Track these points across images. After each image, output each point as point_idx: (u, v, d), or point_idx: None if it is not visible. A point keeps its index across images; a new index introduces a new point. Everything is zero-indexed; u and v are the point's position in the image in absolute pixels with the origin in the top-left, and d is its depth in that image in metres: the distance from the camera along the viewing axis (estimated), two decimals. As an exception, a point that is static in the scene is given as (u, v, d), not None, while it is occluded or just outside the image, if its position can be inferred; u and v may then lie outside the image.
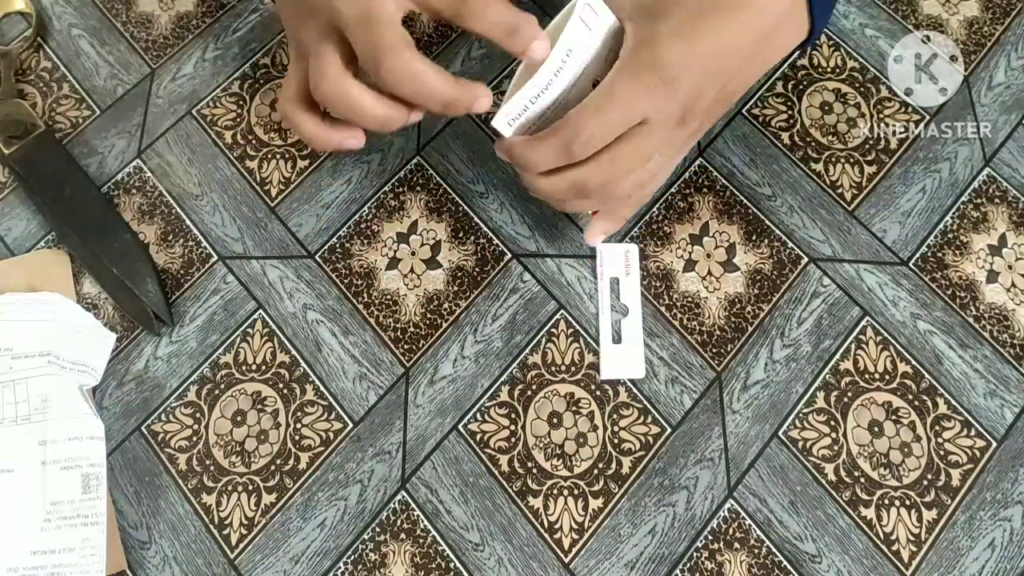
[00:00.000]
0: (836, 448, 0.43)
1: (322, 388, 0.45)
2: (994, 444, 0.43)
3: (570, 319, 0.46)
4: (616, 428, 0.43)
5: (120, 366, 0.45)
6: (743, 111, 0.50)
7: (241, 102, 0.51)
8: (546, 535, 0.42)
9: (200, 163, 0.50)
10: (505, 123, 0.38)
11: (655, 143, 0.37)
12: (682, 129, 0.38)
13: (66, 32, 0.54)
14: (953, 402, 0.44)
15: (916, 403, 0.44)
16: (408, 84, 0.34)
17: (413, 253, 0.47)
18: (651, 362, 0.45)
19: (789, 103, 0.51)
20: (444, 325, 0.46)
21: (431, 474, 0.43)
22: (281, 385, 0.45)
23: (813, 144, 0.49)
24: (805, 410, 0.44)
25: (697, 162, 0.49)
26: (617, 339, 0.45)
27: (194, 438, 0.44)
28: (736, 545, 0.41)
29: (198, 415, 0.44)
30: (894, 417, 0.43)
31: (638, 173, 0.39)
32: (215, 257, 0.48)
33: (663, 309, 0.46)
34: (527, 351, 0.45)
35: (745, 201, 0.48)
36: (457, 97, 0.35)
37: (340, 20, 0.34)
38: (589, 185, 0.38)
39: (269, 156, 0.50)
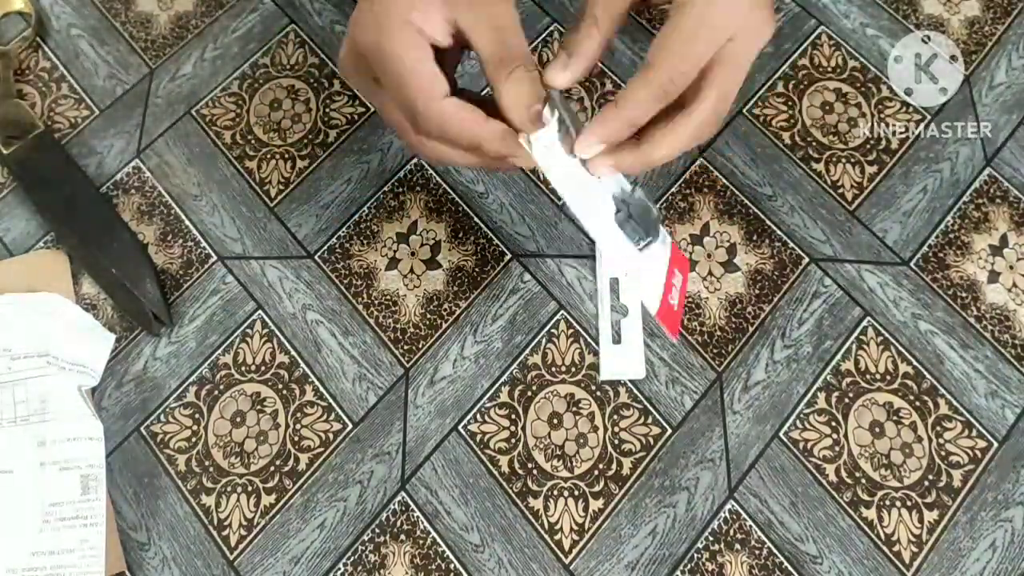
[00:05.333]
0: (837, 449, 0.43)
1: (321, 389, 0.44)
2: (995, 445, 0.43)
3: (570, 319, 0.46)
4: (616, 429, 0.43)
5: (119, 367, 0.45)
6: (744, 111, 0.50)
7: (240, 102, 0.51)
8: (546, 536, 0.41)
9: (199, 163, 0.50)
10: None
11: (753, 46, 0.33)
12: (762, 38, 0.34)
13: (65, 32, 0.54)
14: (954, 403, 0.43)
15: (917, 404, 0.43)
16: (450, 133, 0.32)
17: (413, 253, 0.47)
18: (651, 362, 0.45)
19: (790, 103, 0.50)
20: (444, 325, 0.46)
21: (431, 475, 0.43)
22: (280, 386, 0.45)
23: (814, 144, 0.49)
24: (806, 411, 0.44)
25: (698, 162, 0.49)
26: (617, 339, 0.45)
27: (193, 439, 0.44)
28: (737, 546, 0.41)
29: (197, 416, 0.44)
30: (895, 418, 0.43)
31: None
32: (214, 257, 0.47)
33: (663, 309, 0.46)
34: (527, 351, 0.45)
35: (746, 201, 0.48)
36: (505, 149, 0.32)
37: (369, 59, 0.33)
38: (712, 120, 0.34)
39: (268, 156, 0.50)
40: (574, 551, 0.41)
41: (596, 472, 0.43)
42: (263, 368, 0.45)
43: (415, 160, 0.49)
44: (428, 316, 0.46)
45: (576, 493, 0.42)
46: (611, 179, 0.36)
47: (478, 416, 0.44)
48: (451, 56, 0.34)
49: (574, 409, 0.44)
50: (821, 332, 0.45)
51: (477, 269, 0.47)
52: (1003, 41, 0.52)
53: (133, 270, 0.46)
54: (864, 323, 0.45)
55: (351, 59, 0.34)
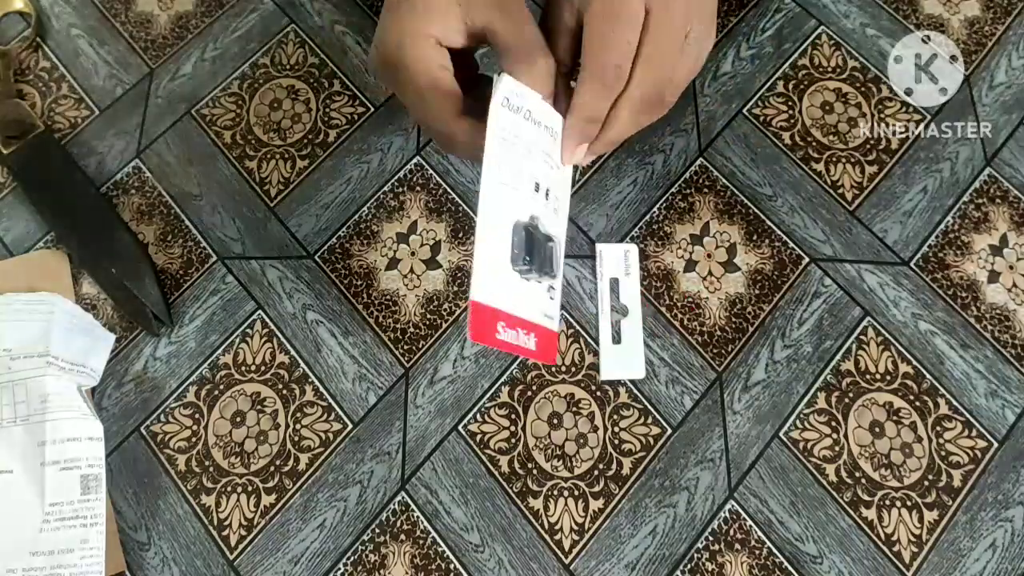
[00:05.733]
0: (837, 449, 0.43)
1: (321, 389, 0.44)
2: (995, 445, 0.43)
3: (570, 319, 0.46)
4: (616, 429, 0.43)
5: (119, 367, 0.45)
6: (744, 111, 0.50)
7: (240, 102, 0.51)
8: (546, 536, 0.41)
9: (199, 163, 0.50)
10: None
11: (678, 15, 0.34)
12: None
13: (65, 32, 0.54)
14: (954, 402, 0.43)
15: (917, 404, 0.43)
16: (458, 149, 0.35)
17: (413, 253, 0.47)
18: (651, 362, 0.45)
19: (790, 103, 0.50)
20: (444, 325, 0.46)
21: (431, 475, 0.43)
22: (280, 386, 0.45)
23: (814, 144, 0.49)
24: (806, 411, 0.44)
25: (698, 162, 0.49)
26: (617, 339, 0.45)
27: (193, 439, 0.44)
28: (737, 546, 0.41)
29: (197, 416, 0.44)
30: (895, 418, 0.43)
31: (685, 54, 0.35)
32: (214, 257, 0.47)
33: (663, 309, 0.46)
34: (527, 351, 0.45)
35: (746, 201, 0.48)
36: None
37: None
38: (653, 94, 0.35)
39: (268, 156, 0.50)
40: (574, 551, 0.41)
41: (596, 472, 0.43)
42: (263, 368, 0.45)
43: (415, 160, 0.49)
44: (428, 316, 0.46)
45: (576, 493, 0.42)
46: (542, 194, 0.35)
47: (478, 416, 0.44)
48: (466, 52, 0.36)
49: (574, 409, 0.44)
50: (821, 332, 0.45)
51: (477, 269, 0.47)
52: (1003, 41, 0.52)
53: (133, 270, 0.46)
54: (864, 323, 0.45)
55: (378, 61, 0.35)
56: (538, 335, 0.34)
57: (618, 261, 0.46)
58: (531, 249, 0.34)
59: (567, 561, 0.41)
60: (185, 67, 0.52)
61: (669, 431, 0.43)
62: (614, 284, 0.46)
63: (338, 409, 0.44)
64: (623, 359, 0.45)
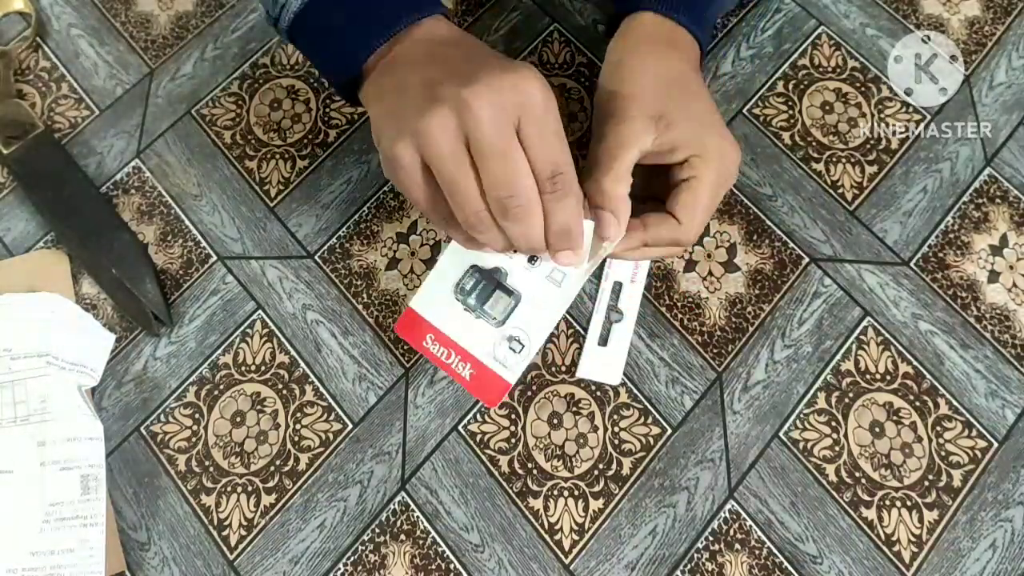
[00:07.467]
0: (837, 449, 0.43)
1: (321, 389, 0.44)
2: (995, 445, 0.43)
3: (570, 319, 0.46)
4: (616, 429, 0.43)
5: (119, 367, 0.45)
6: (744, 111, 0.50)
7: (240, 102, 0.51)
8: (546, 536, 0.41)
9: (199, 163, 0.50)
10: None
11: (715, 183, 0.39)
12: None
13: (65, 32, 0.54)
14: (954, 402, 0.43)
15: (917, 404, 0.43)
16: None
17: (413, 253, 0.47)
18: (651, 362, 0.45)
19: (790, 103, 0.50)
20: (444, 325, 0.46)
21: (431, 475, 0.43)
22: (280, 386, 0.45)
23: (814, 144, 0.49)
24: (806, 411, 0.44)
25: (697, 162, 0.49)
26: (603, 342, 0.45)
27: (193, 439, 0.44)
28: (737, 546, 0.41)
29: (197, 416, 0.44)
30: (895, 418, 0.43)
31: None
32: (214, 257, 0.47)
33: (664, 309, 0.46)
34: (527, 351, 0.45)
35: (746, 201, 0.48)
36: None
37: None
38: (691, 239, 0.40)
39: (268, 156, 0.50)
40: (574, 551, 0.41)
41: (596, 472, 0.43)
42: (263, 368, 0.45)
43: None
44: (428, 316, 0.46)
45: (576, 493, 0.42)
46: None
47: (478, 416, 0.44)
48: None
49: (574, 409, 0.44)
50: (821, 332, 0.45)
51: (477, 269, 0.47)
52: (1003, 41, 0.52)
53: (133, 270, 0.46)
54: (864, 323, 0.45)
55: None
56: (478, 372, 0.38)
57: (628, 267, 0.46)
58: (476, 290, 0.39)
59: (567, 561, 0.41)
60: (185, 67, 0.52)
61: (669, 431, 0.43)
62: (617, 288, 0.46)
63: (338, 409, 0.44)
64: (603, 362, 0.44)
